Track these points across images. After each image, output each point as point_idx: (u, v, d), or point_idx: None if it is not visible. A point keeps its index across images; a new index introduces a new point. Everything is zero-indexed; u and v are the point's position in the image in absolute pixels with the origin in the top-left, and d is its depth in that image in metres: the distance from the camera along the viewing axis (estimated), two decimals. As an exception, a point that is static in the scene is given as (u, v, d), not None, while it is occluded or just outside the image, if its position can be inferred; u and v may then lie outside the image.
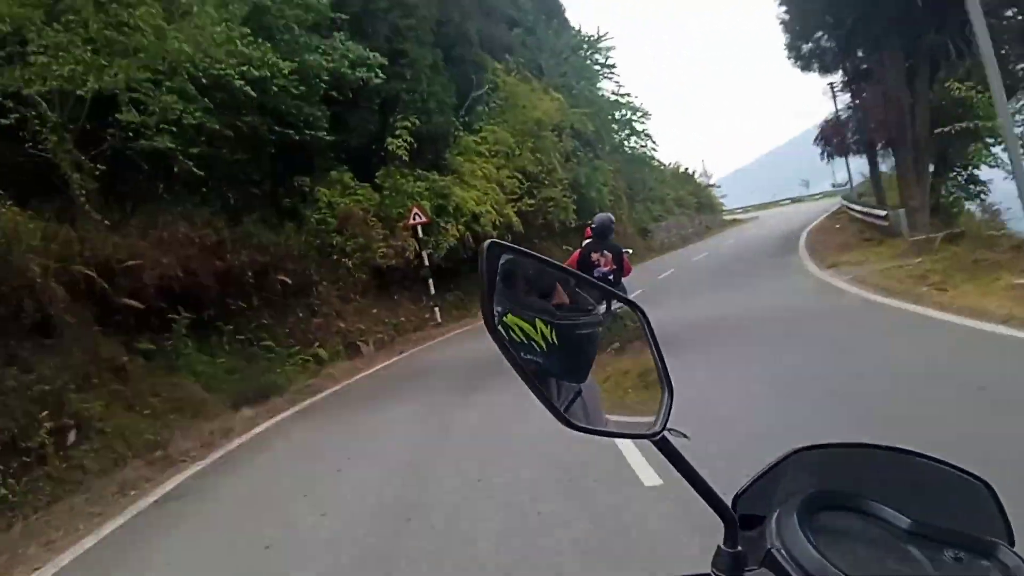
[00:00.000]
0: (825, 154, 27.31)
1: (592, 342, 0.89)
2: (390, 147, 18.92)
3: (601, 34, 36.52)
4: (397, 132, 19.15)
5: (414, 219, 18.02)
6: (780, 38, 22.82)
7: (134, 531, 6.02)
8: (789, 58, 23.16)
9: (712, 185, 53.03)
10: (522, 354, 0.78)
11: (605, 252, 9.29)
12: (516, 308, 0.80)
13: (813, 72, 23.09)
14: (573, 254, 9.82)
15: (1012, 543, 0.83)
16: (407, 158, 19.09)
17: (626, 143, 37.47)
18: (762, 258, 20.60)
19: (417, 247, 18.24)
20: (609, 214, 10.65)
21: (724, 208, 54.65)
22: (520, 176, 23.34)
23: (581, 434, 0.82)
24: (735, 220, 52.64)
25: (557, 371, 0.82)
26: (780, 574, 0.77)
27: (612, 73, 36.74)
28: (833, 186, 64.34)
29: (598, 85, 35.79)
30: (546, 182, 24.44)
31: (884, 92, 16.00)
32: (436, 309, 18.46)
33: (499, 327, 0.77)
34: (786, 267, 16.62)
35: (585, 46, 36.10)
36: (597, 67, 36.08)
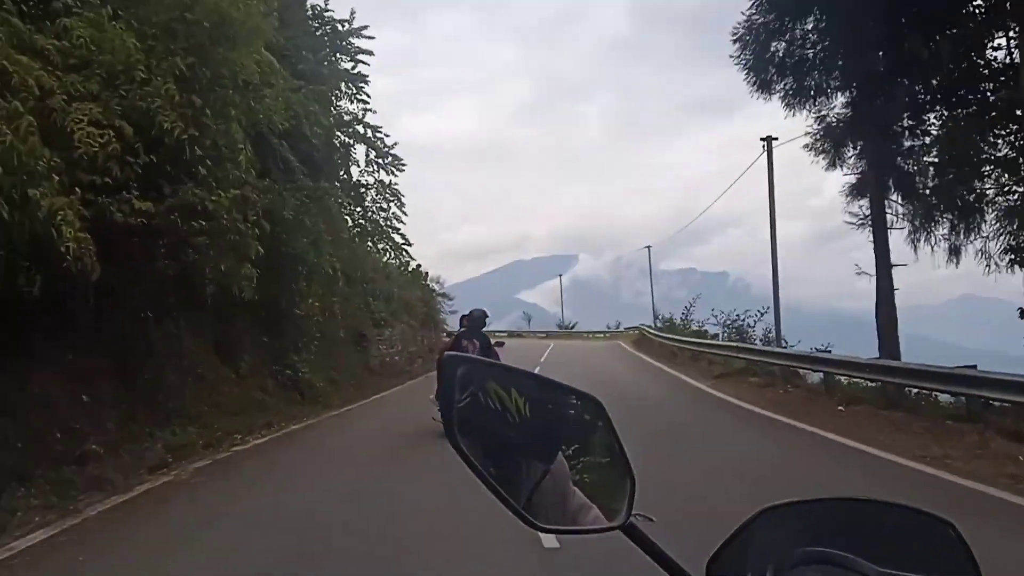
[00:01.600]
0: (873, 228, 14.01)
1: (563, 423, 0.93)
2: None
3: (356, 26, 23.54)
4: None
5: None
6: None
7: None
8: (739, 64, 12.51)
9: (444, 295, 41.41)
10: (494, 425, 0.82)
11: (474, 340, 10.64)
12: (497, 377, 0.84)
13: (776, 94, 12.63)
14: (447, 342, 12.34)
15: None
16: None
17: (363, 202, 24.01)
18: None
19: None
20: (484, 308, 11.30)
21: (446, 327, 43.17)
22: (131, 132, 8.59)
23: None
24: (456, 345, 41.27)
25: (526, 445, 0.86)
26: None
27: (360, 88, 23.52)
28: (607, 327, 56.06)
29: (336, 96, 22.32)
30: (202, 170, 9.81)
31: None
32: None
33: (479, 393, 0.81)
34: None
35: (327, 29, 22.84)
36: (342, 67, 22.75)
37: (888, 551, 0.88)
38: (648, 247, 51.79)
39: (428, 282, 37.83)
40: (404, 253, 25.68)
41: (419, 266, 36.48)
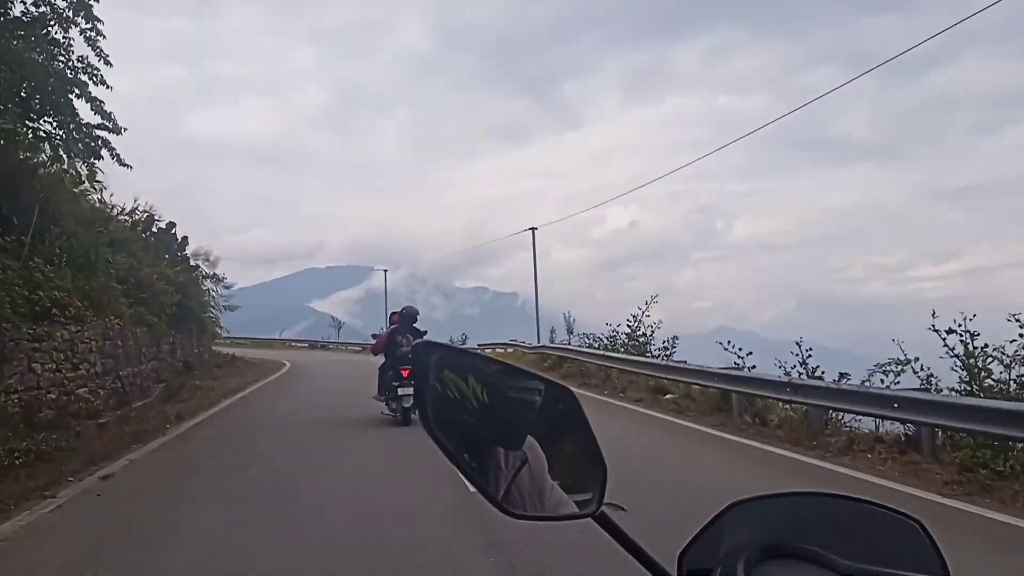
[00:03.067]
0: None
1: (528, 409, 0.88)
2: None
3: None
4: None
5: None
6: None
7: None
8: None
9: (216, 278, 26.51)
10: (458, 413, 0.81)
11: (408, 336, 11.50)
12: (452, 364, 0.83)
13: None
14: (381, 337, 12.36)
15: None
16: None
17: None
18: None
19: None
20: (415, 307, 12.48)
21: (220, 333, 28.35)
22: None
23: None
24: (233, 357, 26.73)
25: (491, 433, 0.84)
26: None
27: None
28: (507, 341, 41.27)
29: None
30: None
31: None
32: None
33: (436, 384, 0.80)
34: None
35: None
36: None
37: (856, 546, 0.87)
38: (531, 228, 39.11)
39: (188, 253, 22.98)
40: (111, 156, 11.50)
41: (174, 224, 21.86)
